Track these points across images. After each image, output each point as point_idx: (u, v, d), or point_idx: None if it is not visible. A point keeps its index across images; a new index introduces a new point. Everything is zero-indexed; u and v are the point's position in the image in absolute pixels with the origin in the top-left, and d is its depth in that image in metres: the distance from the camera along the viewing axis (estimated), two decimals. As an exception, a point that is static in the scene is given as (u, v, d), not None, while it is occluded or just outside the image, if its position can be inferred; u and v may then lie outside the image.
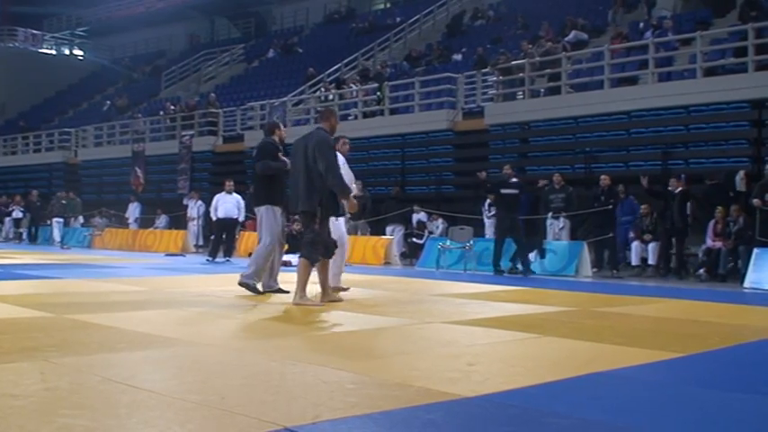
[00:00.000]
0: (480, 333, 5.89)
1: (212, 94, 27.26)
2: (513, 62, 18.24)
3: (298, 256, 7.98)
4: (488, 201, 16.74)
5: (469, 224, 15.45)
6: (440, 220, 17.45)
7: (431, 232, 17.40)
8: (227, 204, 16.18)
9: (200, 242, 21.65)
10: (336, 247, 8.00)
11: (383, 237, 17.20)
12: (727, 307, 8.68)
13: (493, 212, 16.63)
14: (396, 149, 20.10)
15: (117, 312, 6.64)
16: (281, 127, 9.38)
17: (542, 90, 18.11)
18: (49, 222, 24.29)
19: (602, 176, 14.58)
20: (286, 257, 14.72)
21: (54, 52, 44.19)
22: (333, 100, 22.47)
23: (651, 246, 13.95)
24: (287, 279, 9.43)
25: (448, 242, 15.01)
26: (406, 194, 18.82)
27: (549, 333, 5.88)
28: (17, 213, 26.35)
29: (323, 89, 23.62)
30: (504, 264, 14.25)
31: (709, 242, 13.30)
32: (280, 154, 8.77)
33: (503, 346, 5.37)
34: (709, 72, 15.34)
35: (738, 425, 3.40)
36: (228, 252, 16.63)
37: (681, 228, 13.40)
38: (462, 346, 5.33)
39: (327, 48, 29.61)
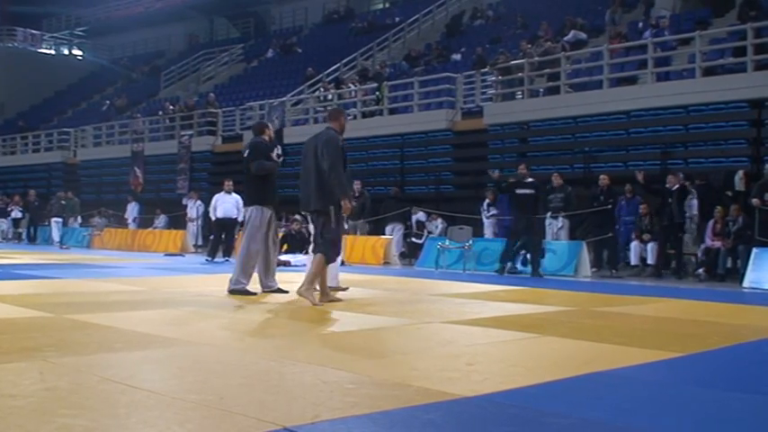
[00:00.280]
0: (479, 333, 5.88)
1: (211, 94, 27.25)
2: (513, 62, 18.24)
3: (303, 253, 8.02)
4: (487, 201, 16.76)
5: (469, 224, 15.44)
6: (439, 220, 17.45)
7: (430, 232, 17.40)
8: (227, 204, 16.17)
9: (200, 242, 21.64)
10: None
11: (382, 237, 17.19)
12: (727, 306, 8.69)
13: (492, 212, 16.67)
14: (395, 149, 20.09)
15: (116, 312, 6.63)
16: (270, 127, 9.36)
17: (541, 90, 18.11)
18: (47, 222, 24.30)
19: (602, 176, 14.57)
20: (285, 257, 14.82)
21: (53, 52, 44.17)
22: (332, 100, 22.47)
23: (650, 245, 13.95)
24: (286, 279, 9.44)
25: (447, 242, 15.00)
26: (405, 194, 18.82)
27: (549, 333, 5.87)
28: (16, 213, 26.35)
29: (322, 89, 23.61)
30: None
31: (708, 242, 13.30)
32: (271, 154, 8.75)
33: (502, 346, 5.37)
34: (709, 72, 15.34)
35: (738, 425, 3.40)
36: (228, 252, 16.61)
37: (679, 225, 13.36)
38: (461, 345, 5.33)
39: (326, 48, 29.60)
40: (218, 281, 8.98)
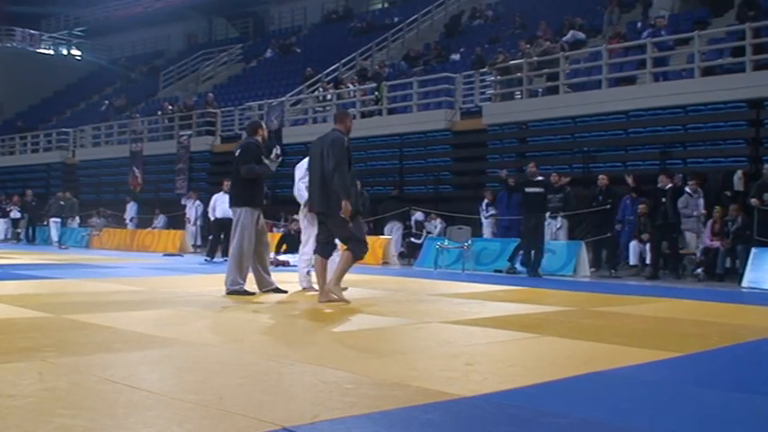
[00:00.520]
0: (478, 333, 5.88)
1: (210, 94, 27.24)
2: (511, 62, 18.24)
3: (313, 252, 8.06)
4: (486, 201, 16.76)
5: (468, 224, 15.44)
6: (438, 220, 17.45)
7: (429, 232, 17.40)
8: (226, 204, 16.00)
9: (199, 242, 21.64)
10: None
11: (381, 237, 17.19)
12: (726, 306, 8.69)
13: (491, 212, 16.66)
14: (394, 149, 20.10)
15: (115, 312, 6.63)
16: (264, 127, 9.25)
17: (540, 90, 18.12)
18: (46, 222, 24.28)
19: (600, 176, 14.57)
20: (284, 257, 14.82)
21: (52, 52, 44.14)
22: (331, 100, 22.47)
23: (648, 245, 13.94)
24: (285, 279, 9.44)
25: (446, 242, 15.00)
26: (404, 194, 18.82)
27: (548, 333, 5.87)
28: (15, 214, 26.33)
29: (321, 89, 23.61)
30: (502, 264, 14.26)
31: (707, 241, 13.30)
32: (266, 157, 8.72)
33: (501, 346, 5.37)
34: (707, 72, 15.35)
35: (737, 424, 3.40)
36: (226, 252, 16.55)
37: (672, 226, 13.33)
38: (460, 345, 5.32)
39: (325, 48, 29.60)
40: (216, 281, 8.97)
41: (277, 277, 9.04)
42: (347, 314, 7.07)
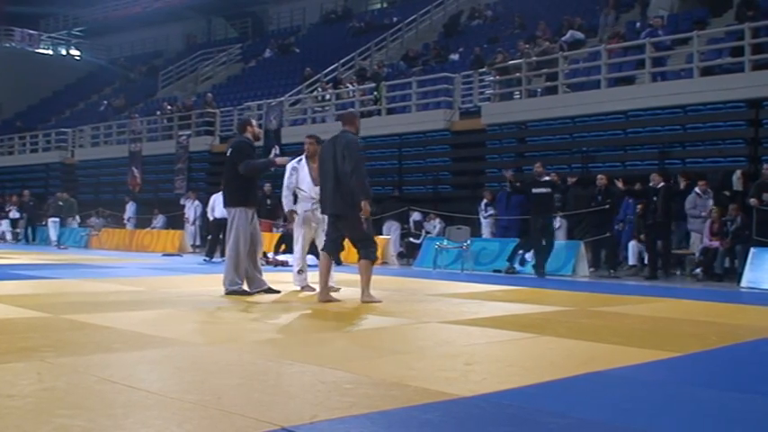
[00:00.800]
0: (477, 333, 5.88)
1: (209, 94, 27.23)
2: (510, 62, 18.24)
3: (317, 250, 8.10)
4: (485, 201, 16.76)
5: (467, 224, 15.45)
6: (437, 220, 17.45)
7: (428, 232, 17.40)
8: (224, 204, 16.13)
9: (198, 242, 21.62)
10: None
11: (380, 237, 17.18)
12: (725, 306, 8.69)
13: (490, 212, 16.66)
14: (393, 149, 20.09)
15: (113, 312, 6.63)
16: (254, 123, 9.11)
17: (539, 90, 18.11)
18: (44, 222, 24.26)
19: (599, 176, 14.55)
20: (283, 257, 14.81)
21: (51, 52, 44.12)
22: (330, 100, 22.48)
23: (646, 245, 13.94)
24: (283, 279, 9.44)
25: (445, 242, 15.00)
26: (403, 194, 18.82)
27: (547, 333, 5.87)
28: (14, 214, 26.32)
29: (320, 89, 23.60)
30: (501, 264, 14.26)
31: (705, 241, 13.31)
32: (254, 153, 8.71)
33: (500, 346, 5.37)
34: (706, 72, 15.35)
35: (737, 424, 3.40)
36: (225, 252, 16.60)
37: (664, 225, 13.29)
38: (459, 345, 5.32)
39: (324, 48, 29.60)
40: (215, 281, 8.97)
41: (275, 277, 9.03)
42: (346, 314, 7.07)
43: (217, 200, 16.30)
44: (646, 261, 13.97)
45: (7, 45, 41.84)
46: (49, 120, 36.63)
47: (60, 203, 23.82)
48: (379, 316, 6.92)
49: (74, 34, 44.65)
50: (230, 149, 8.62)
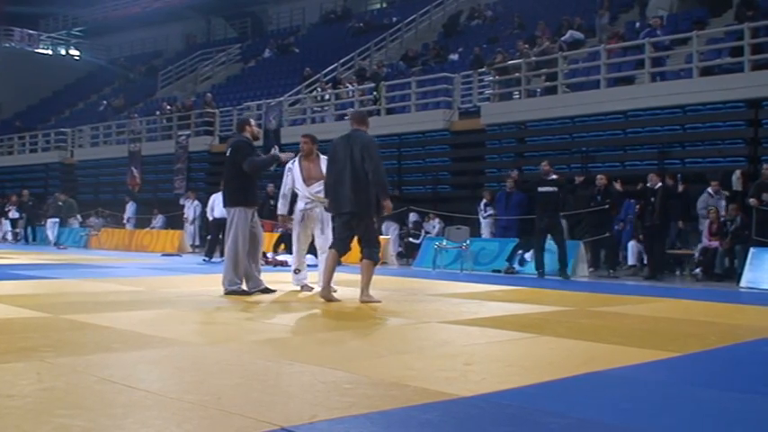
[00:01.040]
0: (477, 333, 5.88)
1: (209, 94, 27.24)
2: (510, 62, 18.24)
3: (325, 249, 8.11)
4: (484, 201, 16.76)
5: (466, 224, 15.44)
6: (436, 220, 17.44)
7: (427, 232, 17.40)
8: (224, 204, 16.12)
9: (197, 242, 21.62)
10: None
11: (380, 237, 17.17)
12: (725, 306, 8.69)
13: (489, 212, 16.66)
14: (392, 149, 20.08)
15: (113, 312, 6.62)
16: (252, 123, 9.07)
17: (539, 90, 18.12)
18: (44, 222, 24.26)
19: (599, 176, 14.55)
20: (283, 257, 14.80)
21: (50, 52, 44.13)
22: (329, 100, 22.48)
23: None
24: (282, 279, 9.44)
25: (445, 242, 14.99)
26: (402, 194, 18.82)
27: (546, 333, 5.87)
28: (14, 214, 26.32)
29: (319, 89, 23.60)
30: (500, 264, 14.26)
31: (705, 241, 13.31)
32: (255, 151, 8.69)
33: (499, 346, 5.37)
34: (706, 72, 15.36)
35: (736, 424, 3.40)
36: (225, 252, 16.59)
37: (661, 225, 13.24)
38: (459, 345, 5.32)
39: (324, 47, 29.60)
40: (215, 281, 8.97)
41: (274, 277, 9.03)
42: (345, 314, 7.07)
43: (216, 200, 16.30)
44: (645, 261, 13.98)
45: (7, 45, 41.86)
46: (48, 120, 36.63)
47: (60, 203, 23.82)
48: (379, 316, 6.92)
49: (73, 34, 44.66)
50: (230, 149, 8.60)
